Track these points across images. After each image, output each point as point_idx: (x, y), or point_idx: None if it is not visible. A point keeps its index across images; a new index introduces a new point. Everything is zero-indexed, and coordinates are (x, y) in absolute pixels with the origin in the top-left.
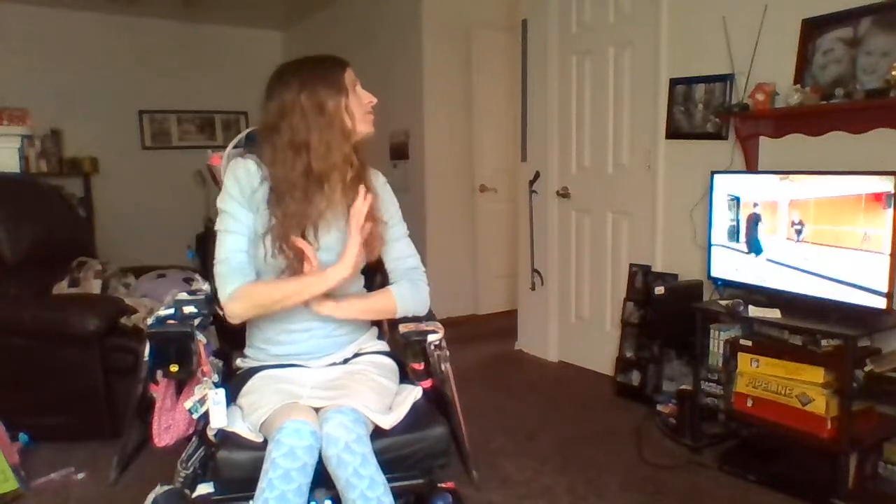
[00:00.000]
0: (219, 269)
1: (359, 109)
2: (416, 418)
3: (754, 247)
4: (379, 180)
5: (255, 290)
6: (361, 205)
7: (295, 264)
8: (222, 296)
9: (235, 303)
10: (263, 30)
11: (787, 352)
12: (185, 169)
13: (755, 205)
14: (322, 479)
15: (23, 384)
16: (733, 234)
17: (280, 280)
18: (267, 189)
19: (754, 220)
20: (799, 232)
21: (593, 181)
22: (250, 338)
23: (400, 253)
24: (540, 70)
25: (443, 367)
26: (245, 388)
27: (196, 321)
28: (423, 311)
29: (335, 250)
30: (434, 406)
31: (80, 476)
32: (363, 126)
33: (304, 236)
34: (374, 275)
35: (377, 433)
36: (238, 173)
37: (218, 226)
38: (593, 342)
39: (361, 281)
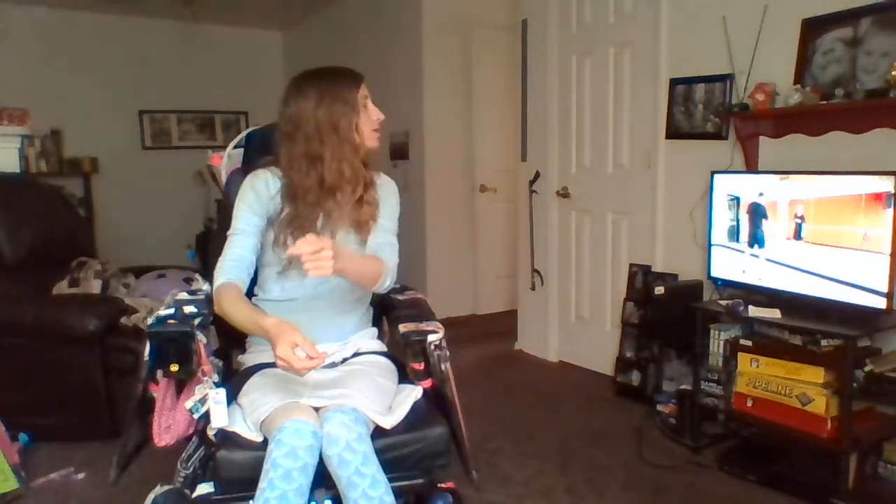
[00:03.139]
0: (218, 262)
1: (367, 126)
2: (416, 418)
3: (757, 239)
4: (389, 188)
5: (224, 295)
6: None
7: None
8: (214, 288)
9: (216, 298)
10: (263, 30)
11: (787, 352)
12: (185, 169)
13: (760, 194)
14: (322, 479)
15: (23, 384)
16: (733, 234)
17: (242, 302)
18: (280, 197)
19: (758, 212)
20: (799, 232)
21: (593, 181)
22: None
23: (382, 238)
24: (540, 70)
25: (443, 367)
26: (245, 388)
27: (196, 321)
28: (388, 286)
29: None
30: (434, 406)
31: (80, 476)
32: (370, 142)
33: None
34: None
35: (377, 433)
36: (258, 185)
37: (229, 231)
38: (593, 342)
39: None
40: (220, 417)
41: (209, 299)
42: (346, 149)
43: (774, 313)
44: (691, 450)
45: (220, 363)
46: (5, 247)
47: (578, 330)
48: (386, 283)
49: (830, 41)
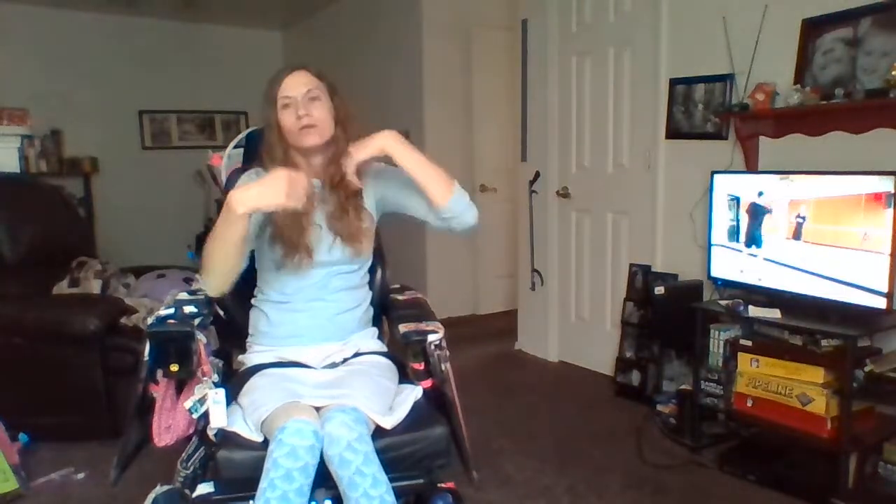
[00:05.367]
0: None
1: (290, 121)
2: (416, 418)
3: (755, 239)
4: (377, 171)
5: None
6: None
7: (285, 255)
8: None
9: (202, 272)
10: (263, 30)
11: (787, 352)
12: (185, 169)
13: (759, 194)
14: (323, 479)
15: (23, 384)
16: (733, 233)
17: None
18: None
19: (758, 212)
20: (799, 231)
21: (593, 181)
22: (255, 322)
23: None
24: (540, 70)
25: (443, 367)
26: (246, 388)
27: (196, 321)
28: (471, 220)
29: (323, 252)
30: (434, 406)
31: (80, 476)
32: (297, 140)
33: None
34: (375, 270)
35: (378, 433)
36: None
37: None
38: (593, 342)
39: (366, 276)
40: (219, 417)
41: (209, 299)
42: (274, 149)
43: (774, 313)
44: (691, 450)
45: (220, 363)
46: (5, 247)
47: (578, 330)
48: (465, 199)
49: (830, 41)
